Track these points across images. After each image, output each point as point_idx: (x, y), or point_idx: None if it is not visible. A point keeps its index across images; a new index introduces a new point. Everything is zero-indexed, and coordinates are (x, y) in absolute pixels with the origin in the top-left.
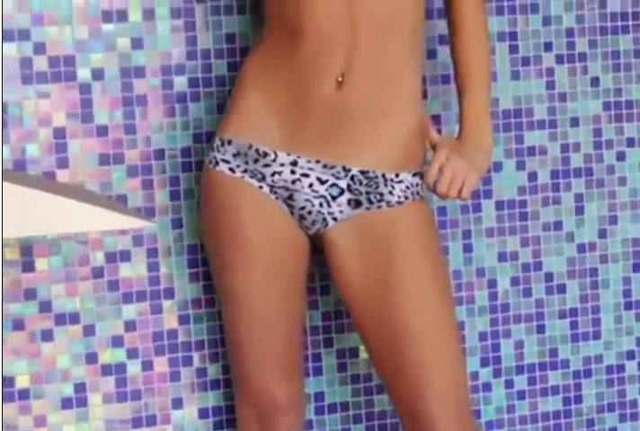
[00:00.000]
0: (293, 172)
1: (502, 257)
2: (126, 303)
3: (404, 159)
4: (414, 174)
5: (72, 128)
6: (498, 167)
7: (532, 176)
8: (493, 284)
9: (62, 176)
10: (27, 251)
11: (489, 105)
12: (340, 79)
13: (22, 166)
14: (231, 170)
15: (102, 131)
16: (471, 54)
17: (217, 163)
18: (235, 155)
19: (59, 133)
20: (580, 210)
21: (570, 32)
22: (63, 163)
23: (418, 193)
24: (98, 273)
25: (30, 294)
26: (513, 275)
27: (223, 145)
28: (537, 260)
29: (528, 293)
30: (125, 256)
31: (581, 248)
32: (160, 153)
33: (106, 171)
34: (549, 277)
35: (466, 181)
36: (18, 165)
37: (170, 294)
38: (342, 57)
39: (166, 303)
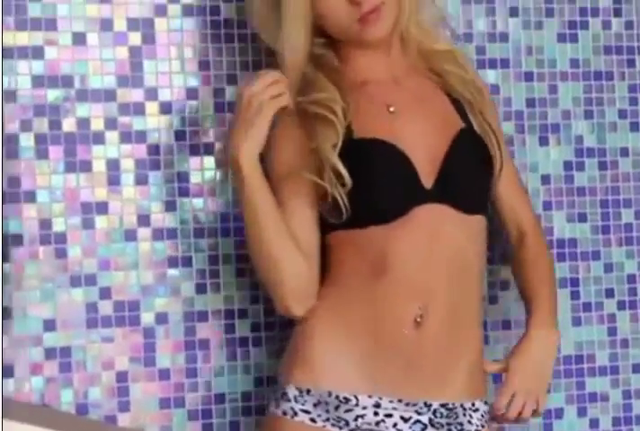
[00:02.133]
0: (376, 414)
1: None
2: None
3: (477, 388)
4: (485, 402)
5: (134, 372)
6: (559, 413)
7: (594, 422)
8: None
9: (123, 420)
10: None
11: (556, 313)
12: (418, 320)
13: (85, 410)
14: (312, 420)
15: (165, 375)
16: (537, 275)
17: (295, 414)
18: (315, 405)
19: (122, 377)
20: None
21: (631, 278)
22: (124, 407)
23: (487, 421)
24: None
25: None
26: None
27: (302, 394)
28: None
29: None
30: None
31: None
32: (221, 397)
33: (166, 415)
34: None
35: (539, 401)
36: (80, 409)
37: None
38: (421, 298)
39: None
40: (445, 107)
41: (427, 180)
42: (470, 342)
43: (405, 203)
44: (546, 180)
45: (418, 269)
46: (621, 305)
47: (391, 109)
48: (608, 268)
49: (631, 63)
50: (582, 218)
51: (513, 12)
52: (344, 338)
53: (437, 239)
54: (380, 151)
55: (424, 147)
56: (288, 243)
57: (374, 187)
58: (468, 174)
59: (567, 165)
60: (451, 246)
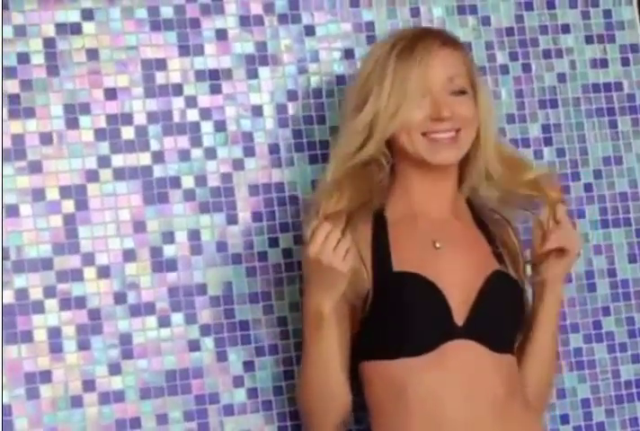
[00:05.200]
0: None
1: None
2: None
3: None
4: None
5: None
6: None
7: None
8: None
9: None
10: None
11: None
12: None
13: None
14: None
15: None
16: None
17: None
18: None
19: None
20: None
21: (586, 403)
22: None
23: None
24: None
25: None
26: None
27: None
28: None
29: None
30: None
31: None
32: None
33: None
34: None
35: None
36: None
37: None
38: None
39: None
40: (483, 247)
41: (459, 317)
42: None
43: (436, 338)
44: None
45: (457, 407)
46: None
47: (437, 245)
48: (561, 394)
49: (566, 189)
50: None
51: None
52: None
53: (469, 376)
54: (419, 287)
55: (460, 284)
56: (345, 384)
57: (408, 320)
58: (499, 314)
59: None
60: (484, 383)
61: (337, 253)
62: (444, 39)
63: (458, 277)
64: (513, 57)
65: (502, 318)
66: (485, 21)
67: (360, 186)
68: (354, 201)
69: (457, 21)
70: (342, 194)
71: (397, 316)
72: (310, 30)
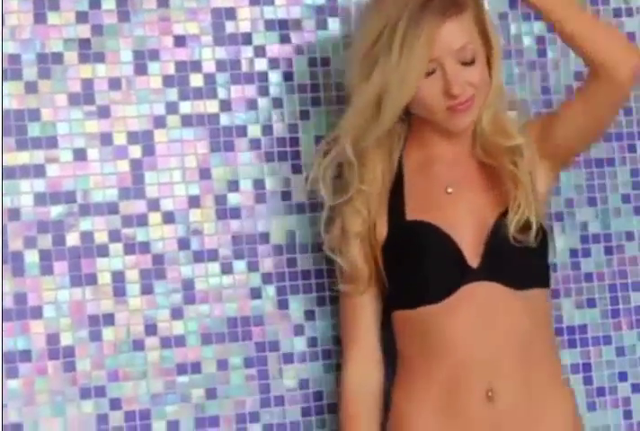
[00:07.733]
0: None
1: None
2: None
3: None
4: None
5: None
6: None
7: None
8: None
9: None
10: None
11: None
12: (490, 394)
13: None
14: None
15: None
16: None
17: None
18: None
19: None
20: None
21: None
22: None
23: None
24: None
25: None
26: None
27: None
28: None
29: None
30: None
31: None
32: None
33: None
34: None
35: None
36: None
37: None
38: (488, 375)
39: None
40: (499, 185)
41: (473, 260)
42: (552, 414)
43: (452, 283)
44: (552, 268)
45: (477, 347)
46: (635, 388)
47: (449, 190)
48: (620, 351)
49: (632, 148)
50: (592, 304)
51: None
52: (421, 420)
53: (490, 315)
54: (425, 233)
55: (471, 227)
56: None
57: (420, 268)
58: (514, 251)
59: (573, 252)
60: (507, 321)
61: None
62: (450, 5)
63: (469, 221)
64: None
65: (519, 255)
66: None
67: (383, 148)
68: (381, 165)
69: None
70: (368, 169)
71: (411, 266)
72: None
